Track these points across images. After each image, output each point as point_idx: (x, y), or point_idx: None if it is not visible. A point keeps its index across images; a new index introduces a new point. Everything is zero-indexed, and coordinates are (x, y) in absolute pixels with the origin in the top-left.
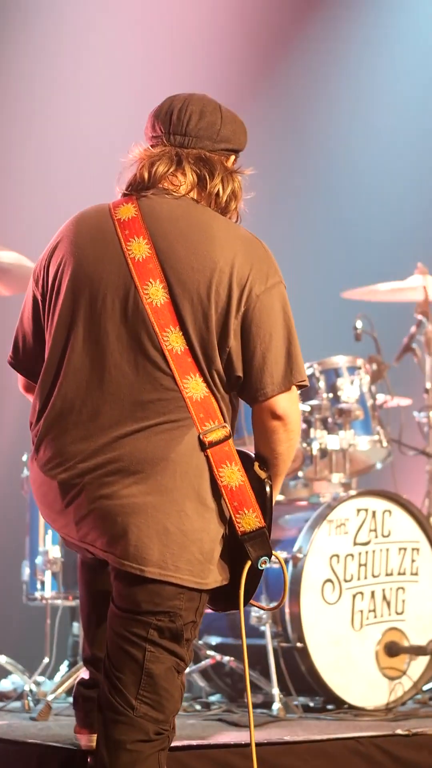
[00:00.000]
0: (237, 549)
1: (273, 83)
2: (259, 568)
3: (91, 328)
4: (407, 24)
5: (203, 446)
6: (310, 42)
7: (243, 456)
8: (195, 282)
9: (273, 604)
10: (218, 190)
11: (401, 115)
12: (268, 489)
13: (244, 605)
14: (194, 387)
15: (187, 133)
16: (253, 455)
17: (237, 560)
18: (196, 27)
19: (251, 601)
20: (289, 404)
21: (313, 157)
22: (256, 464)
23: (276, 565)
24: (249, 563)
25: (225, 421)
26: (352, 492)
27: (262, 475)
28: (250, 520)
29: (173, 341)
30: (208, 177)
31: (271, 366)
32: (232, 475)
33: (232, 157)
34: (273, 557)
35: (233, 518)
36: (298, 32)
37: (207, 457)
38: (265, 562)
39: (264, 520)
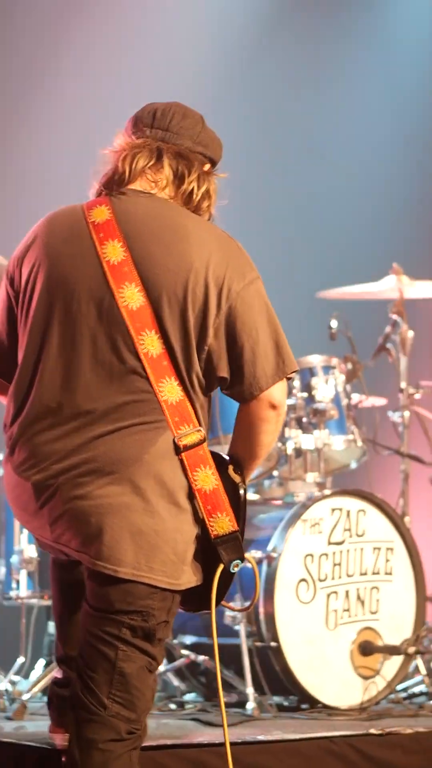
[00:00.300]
0: (210, 550)
1: (251, 81)
2: (231, 571)
3: (66, 330)
4: (386, 25)
5: (178, 450)
6: (288, 40)
7: (217, 459)
8: (171, 284)
9: (246, 605)
10: (193, 188)
11: (378, 116)
12: (242, 492)
13: (216, 606)
14: (170, 390)
15: (169, 129)
16: (227, 458)
17: (210, 561)
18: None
19: (223, 603)
20: (282, 394)
21: (290, 157)
22: (230, 468)
23: (249, 565)
24: (221, 567)
25: (200, 425)
26: (327, 491)
27: (236, 478)
28: (223, 523)
29: (149, 344)
30: (185, 173)
31: (263, 360)
32: (207, 479)
33: (208, 165)
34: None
35: (206, 522)
36: (277, 32)
37: (181, 460)
38: (237, 566)
39: (237, 523)
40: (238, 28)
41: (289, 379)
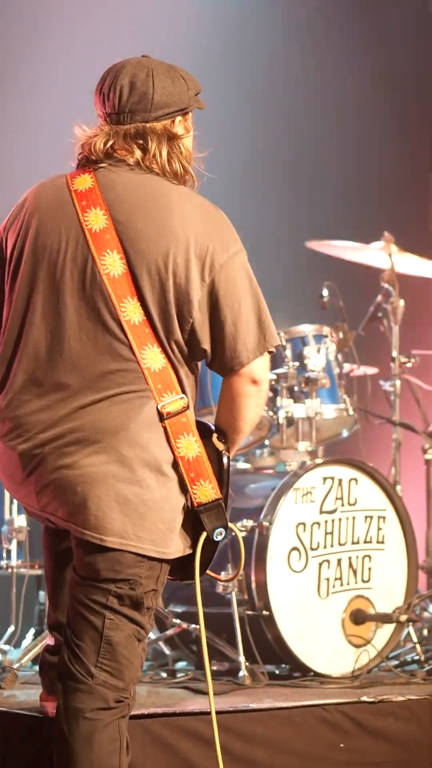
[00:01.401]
0: (198, 519)
1: (244, 36)
2: (215, 539)
3: (50, 299)
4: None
5: (161, 417)
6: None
7: (201, 427)
8: (153, 252)
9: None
10: (163, 158)
11: (373, 79)
12: (225, 460)
13: (201, 575)
14: (152, 358)
15: (120, 111)
16: (213, 426)
17: (198, 530)
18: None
19: (208, 572)
20: (263, 369)
21: (283, 141)
22: (215, 435)
23: (242, 534)
24: (205, 534)
25: (183, 392)
26: (319, 460)
27: (220, 446)
28: (206, 491)
29: (131, 312)
30: (150, 147)
31: (244, 334)
32: (189, 446)
33: (178, 118)
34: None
35: (189, 489)
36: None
37: (165, 428)
38: (221, 534)
39: (221, 491)
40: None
41: (270, 353)
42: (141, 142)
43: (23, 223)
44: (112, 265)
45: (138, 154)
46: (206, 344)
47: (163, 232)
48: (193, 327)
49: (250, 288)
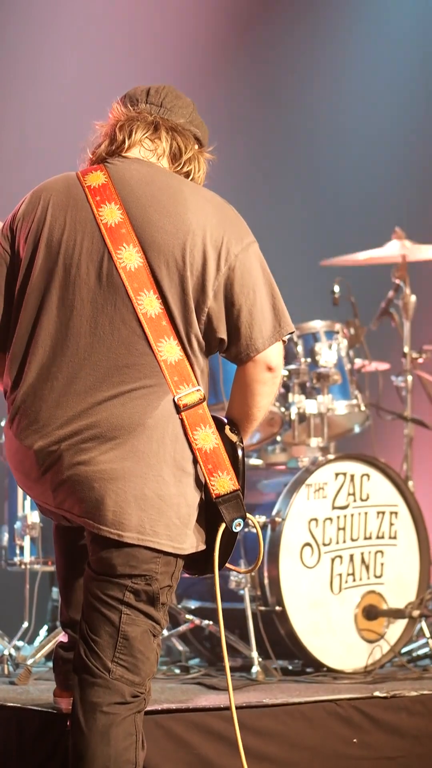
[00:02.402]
0: (213, 514)
1: (253, 50)
2: (234, 530)
3: (65, 294)
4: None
5: (178, 409)
6: (293, 6)
7: (214, 420)
8: (169, 245)
9: (249, 567)
10: (190, 165)
11: (378, 82)
12: (240, 452)
13: (220, 569)
14: (168, 350)
15: (163, 105)
16: (225, 419)
17: (213, 525)
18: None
19: (227, 565)
20: (279, 356)
21: (291, 129)
22: (227, 428)
23: (254, 530)
24: (223, 526)
25: (199, 384)
26: (331, 456)
27: (234, 438)
28: (224, 482)
29: (147, 305)
30: (181, 149)
31: (260, 321)
32: (207, 438)
33: (196, 146)
34: (248, 520)
35: (207, 481)
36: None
37: (182, 420)
38: (239, 525)
39: (238, 482)
40: (234, 5)
41: (284, 342)
42: (173, 140)
43: (35, 220)
44: (128, 258)
45: (165, 148)
46: (223, 333)
47: (179, 225)
48: (210, 316)
49: (263, 276)
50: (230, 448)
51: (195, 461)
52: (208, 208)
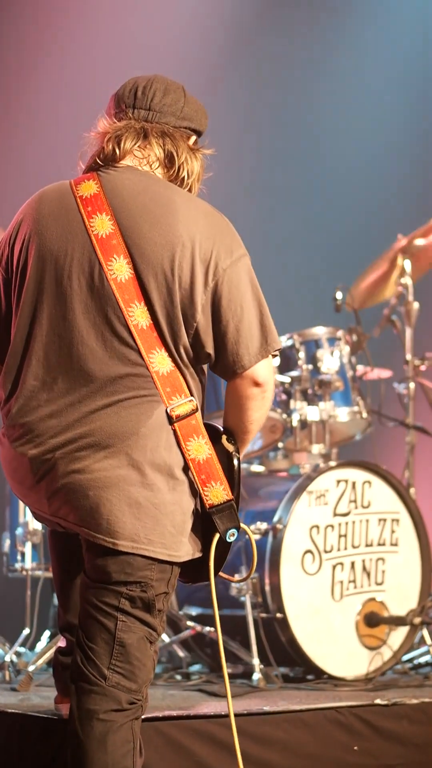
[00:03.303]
0: (208, 521)
1: (255, 64)
2: (228, 540)
3: (57, 305)
4: (391, 4)
5: (170, 420)
6: (292, 22)
7: (210, 429)
8: (158, 257)
9: (252, 575)
10: (183, 169)
11: (380, 92)
12: (235, 462)
13: (213, 577)
14: (160, 362)
15: (151, 108)
16: (221, 428)
17: (208, 533)
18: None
19: (220, 573)
20: (267, 372)
21: (297, 134)
22: (224, 437)
23: (256, 536)
24: (217, 536)
25: (191, 395)
26: (332, 463)
27: (230, 448)
28: (217, 493)
29: (138, 316)
30: (174, 153)
31: (246, 338)
32: (200, 449)
33: (193, 137)
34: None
35: (201, 491)
36: (280, 13)
37: (174, 431)
38: (234, 535)
39: (232, 492)
40: (236, 7)
41: (274, 356)
42: (164, 144)
43: (28, 232)
44: (119, 270)
45: (158, 154)
46: (210, 348)
47: (169, 237)
48: (197, 331)
49: (252, 292)
50: (225, 458)
51: (189, 469)
52: (199, 219)
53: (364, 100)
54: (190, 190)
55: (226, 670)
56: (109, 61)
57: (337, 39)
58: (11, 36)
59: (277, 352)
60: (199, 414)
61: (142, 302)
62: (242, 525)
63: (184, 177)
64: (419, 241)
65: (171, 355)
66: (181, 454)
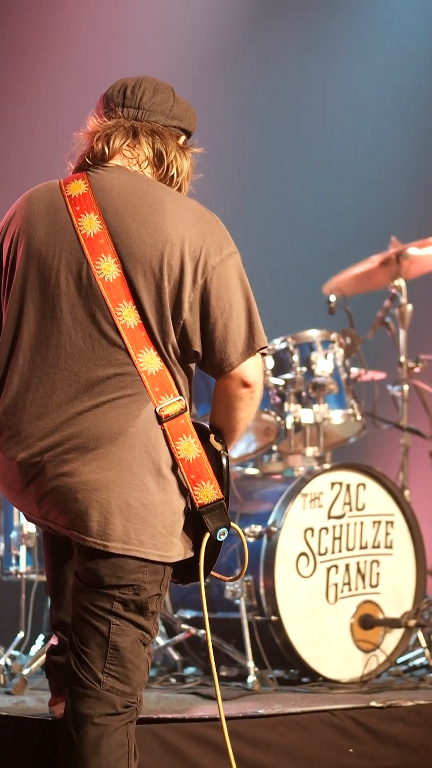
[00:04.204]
0: (198, 521)
1: (243, 66)
2: (218, 539)
3: (44, 305)
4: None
5: (160, 420)
6: (290, 22)
7: (198, 428)
8: (147, 256)
9: (245, 577)
10: (173, 167)
11: (375, 95)
12: (224, 461)
13: (205, 577)
14: (149, 361)
15: (140, 107)
16: (209, 427)
17: (199, 532)
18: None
19: (212, 573)
20: (256, 371)
21: (291, 138)
22: (212, 436)
23: (251, 539)
24: (208, 535)
25: (181, 394)
26: (327, 466)
27: (218, 447)
28: (207, 492)
29: (126, 316)
30: (163, 151)
31: (234, 336)
32: (189, 448)
33: (183, 137)
34: (233, 529)
35: (191, 491)
36: (275, 11)
37: (164, 430)
38: (224, 534)
39: (221, 492)
40: (229, 11)
41: (263, 355)
42: (154, 143)
43: (16, 231)
44: (107, 269)
45: (147, 153)
46: (197, 346)
47: (157, 236)
48: (185, 328)
49: (241, 290)
50: (214, 457)
51: (177, 469)
52: (188, 218)
53: (361, 104)
54: (179, 189)
55: (215, 670)
56: (109, 61)
57: (334, 40)
58: (12, 36)
59: (265, 351)
60: (188, 413)
61: (130, 301)
62: (233, 524)
63: (173, 175)
64: (413, 250)
65: (160, 354)
66: (170, 453)
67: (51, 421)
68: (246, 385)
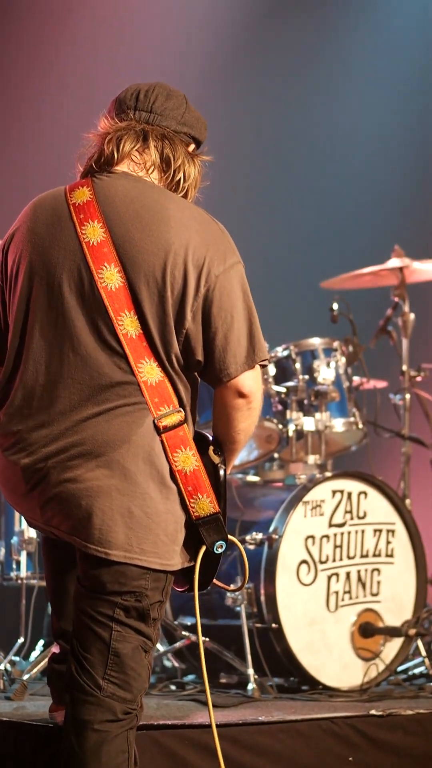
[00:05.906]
0: (198, 532)
1: (248, 68)
2: (216, 552)
3: (48, 313)
4: (382, 6)
5: (158, 431)
6: (292, 26)
7: (199, 438)
8: (150, 265)
9: (247, 585)
10: (179, 173)
11: (379, 100)
12: (221, 473)
13: (205, 588)
14: (149, 371)
15: (152, 111)
16: (210, 437)
17: (199, 542)
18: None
19: (214, 581)
20: (254, 382)
21: (292, 146)
22: (211, 449)
23: (252, 546)
24: (204, 548)
25: (181, 405)
26: (328, 473)
27: (216, 459)
28: (204, 505)
29: (128, 325)
30: (171, 156)
31: (234, 346)
32: (187, 460)
33: (192, 145)
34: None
35: (187, 503)
36: (279, 15)
37: (162, 441)
38: (221, 547)
39: (218, 505)
40: (234, 12)
41: (262, 367)
42: (162, 148)
43: (22, 239)
44: (109, 278)
45: (154, 158)
46: (200, 355)
47: (160, 245)
48: (188, 337)
49: (243, 300)
50: (212, 469)
51: (176, 480)
52: (192, 226)
53: (363, 110)
54: (186, 195)
55: (206, 675)
56: (110, 61)
57: (334, 42)
58: (11, 35)
59: (265, 363)
60: (187, 425)
61: (132, 311)
62: (230, 537)
63: (179, 180)
64: (417, 264)
65: (161, 364)
66: (169, 464)
67: (56, 428)
68: (242, 395)
